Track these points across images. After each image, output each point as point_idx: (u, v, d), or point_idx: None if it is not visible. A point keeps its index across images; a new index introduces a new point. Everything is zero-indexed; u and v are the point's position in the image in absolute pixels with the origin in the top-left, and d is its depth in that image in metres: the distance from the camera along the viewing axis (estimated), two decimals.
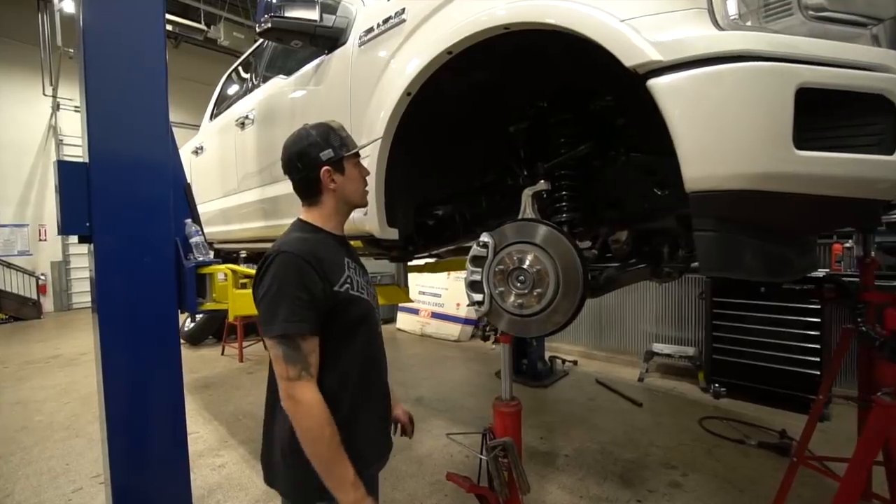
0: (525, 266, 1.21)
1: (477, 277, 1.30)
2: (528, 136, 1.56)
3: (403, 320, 6.86)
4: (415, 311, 6.61)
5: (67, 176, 1.73)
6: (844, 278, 1.65)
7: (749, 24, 0.89)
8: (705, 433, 3.05)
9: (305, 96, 1.92)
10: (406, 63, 1.35)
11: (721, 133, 0.81)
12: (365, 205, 1.19)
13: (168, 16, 8.44)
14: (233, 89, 3.05)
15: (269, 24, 1.63)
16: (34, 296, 8.78)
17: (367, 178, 1.43)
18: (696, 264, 3.61)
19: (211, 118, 3.18)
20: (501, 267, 1.25)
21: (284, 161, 1.12)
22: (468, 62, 1.29)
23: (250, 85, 2.67)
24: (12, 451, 3.14)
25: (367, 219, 1.55)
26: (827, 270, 3.35)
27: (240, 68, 3.05)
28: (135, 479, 1.80)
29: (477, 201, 1.78)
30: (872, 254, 1.56)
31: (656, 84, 0.86)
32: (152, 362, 1.85)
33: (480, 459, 2.12)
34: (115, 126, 1.77)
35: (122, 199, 1.77)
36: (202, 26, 7.27)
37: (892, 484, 1.12)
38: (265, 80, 2.43)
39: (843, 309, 1.46)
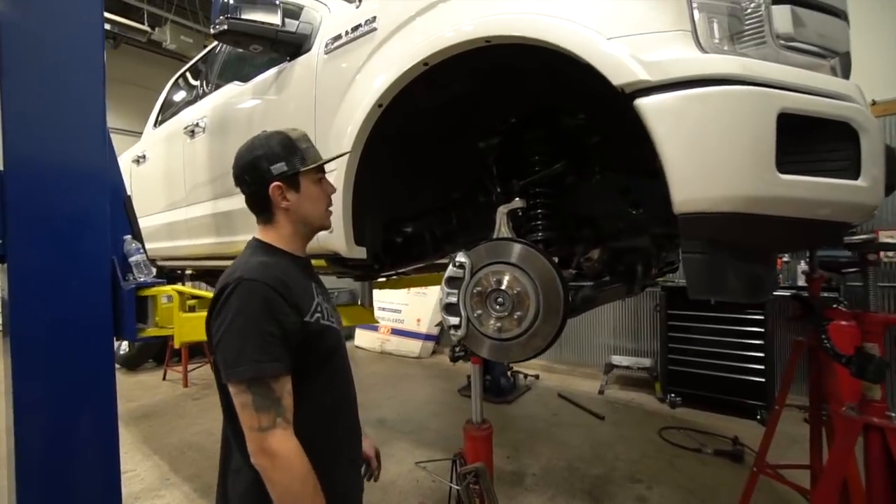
0: (504, 287, 1.16)
1: (453, 300, 1.23)
2: (498, 152, 1.53)
3: (362, 337, 6.64)
4: (374, 328, 6.42)
5: None
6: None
7: (726, 48, 0.91)
8: (665, 444, 3.12)
9: (265, 104, 1.79)
10: (378, 73, 1.28)
11: (709, 155, 0.80)
12: (328, 227, 1.09)
13: (106, 14, 7.87)
14: (180, 95, 2.83)
15: (226, 27, 1.51)
16: None
17: (334, 194, 1.33)
18: (663, 280, 3.73)
19: (155, 125, 2.93)
20: (479, 289, 1.19)
21: (234, 172, 1.01)
22: (444, 74, 1.24)
23: (201, 91, 2.48)
24: None
25: (333, 237, 1.45)
26: None
27: (188, 73, 2.84)
28: None
29: (447, 218, 1.73)
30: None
31: (643, 104, 0.84)
32: (79, 400, 1.61)
33: (451, 488, 2.03)
34: (38, 128, 1.54)
35: (45, 213, 1.54)
36: (146, 27, 6.81)
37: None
38: (217, 86, 2.26)
39: (795, 323, 1.53)
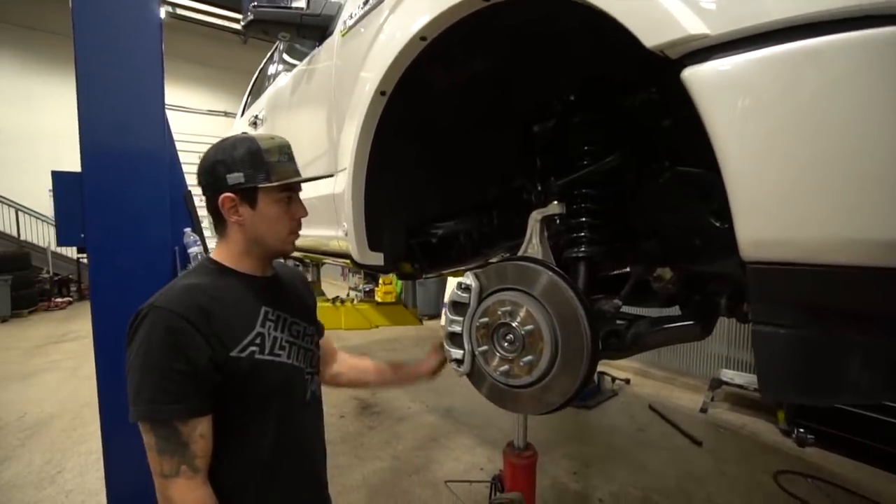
0: (514, 323, 0.90)
1: (457, 329, 1.01)
2: (553, 137, 1.23)
3: None
4: None
5: (62, 186, 1.69)
6: None
7: None
8: (781, 492, 2.51)
9: (298, 94, 1.72)
10: (378, 55, 1.08)
11: (817, 167, 0.45)
12: (287, 253, 0.94)
13: (236, 14, 8.78)
14: (258, 88, 2.97)
15: (252, 16, 1.44)
16: None
17: (347, 197, 1.18)
18: None
19: (241, 115, 3.14)
20: (485, 319, 0.96)
21: (197, 173, 0.90)
22: (459, 49, 0.99)
23: (267, 84, 2.54)
24: (75, 426, 3.41)
25: (347, 240, 1.32)
26: None
27: (264, 67, 2.95)
28: (129, 485, 1.77)
29: (486, 218, 1.48)
30: None
31: (697, 75, 0.51)
32: None
33: None
34: (108, 134, 1.69)
35: (115, 210, 1.70)
36: None
37: None
38: (275, 77, 2.29)
39: None
